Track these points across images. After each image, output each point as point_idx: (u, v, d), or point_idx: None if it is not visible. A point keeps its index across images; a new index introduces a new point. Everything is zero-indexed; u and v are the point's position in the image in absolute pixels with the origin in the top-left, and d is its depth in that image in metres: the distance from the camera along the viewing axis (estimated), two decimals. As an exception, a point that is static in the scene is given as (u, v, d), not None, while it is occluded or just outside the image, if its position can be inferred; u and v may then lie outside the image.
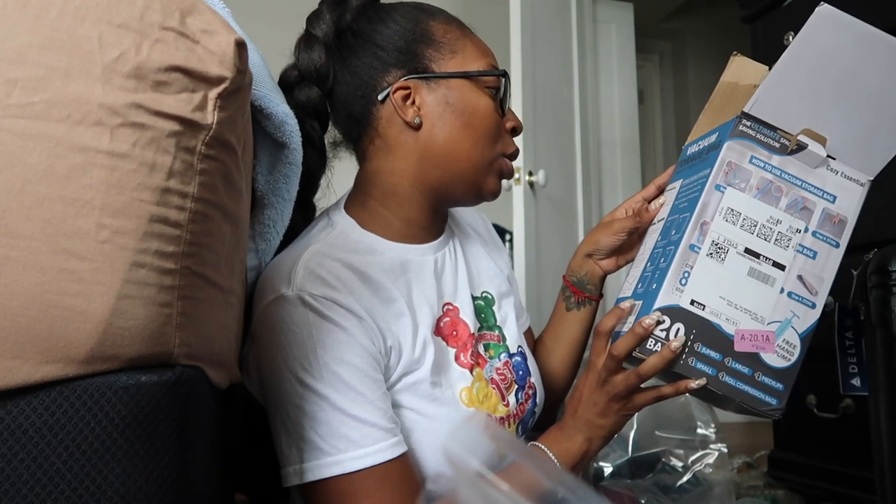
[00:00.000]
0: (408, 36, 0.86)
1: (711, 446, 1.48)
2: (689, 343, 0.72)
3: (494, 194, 0.89)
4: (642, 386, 0.75)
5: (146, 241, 0.51)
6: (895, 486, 0.86)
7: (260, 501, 0.92)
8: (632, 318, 0.76)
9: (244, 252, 0.70)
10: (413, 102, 0.84)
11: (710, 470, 1.44)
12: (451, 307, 0.88)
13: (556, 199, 2.47)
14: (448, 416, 0.79)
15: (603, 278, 0.99)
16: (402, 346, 0.79)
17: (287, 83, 0.89)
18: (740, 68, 0.84)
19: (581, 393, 0.80)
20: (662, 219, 0.82)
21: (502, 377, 0.89)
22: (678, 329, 0.72)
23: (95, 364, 0.50)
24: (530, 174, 2.21)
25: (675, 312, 0.72)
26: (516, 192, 2.17)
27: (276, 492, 0.84)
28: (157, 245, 0.51)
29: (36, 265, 0.48)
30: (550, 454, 0.79)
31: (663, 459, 1.45)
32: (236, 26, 0.67)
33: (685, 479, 1.42)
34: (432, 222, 0.90)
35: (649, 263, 0.79)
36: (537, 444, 0.81)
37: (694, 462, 1.45)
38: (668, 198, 0.84)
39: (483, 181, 0.87)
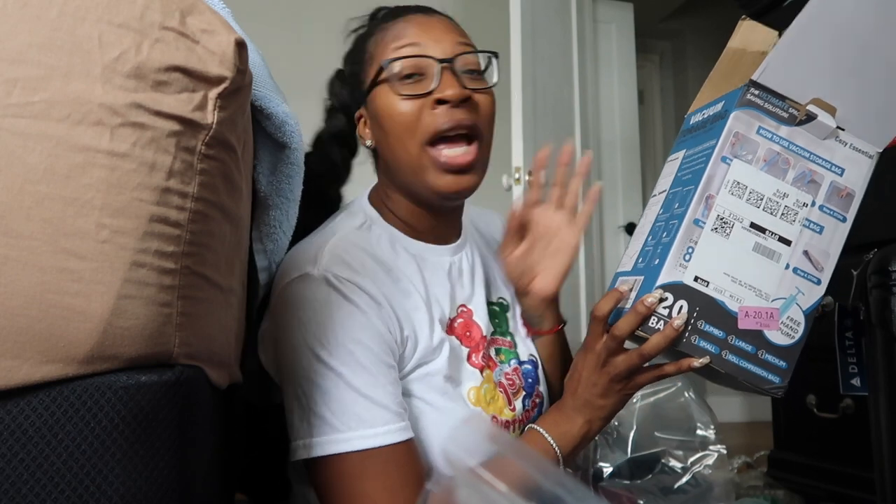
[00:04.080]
0: (355, 67, 0.90)
1: (711, 447, 1.47)
2: (693, 321, 0.70)
3: (446, 194, 0.84)
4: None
5: (146, 240, 0.51)
6: (895, 485, 0.86)
7: (260, 501, 0.92)
8: (633, 295, 0.74)
9: (244, 252, 0.70)
10: (367, 128, 0.89)
11: (710, 471, 1.44)
12: (465, 309, 0.89)
13: (556, 199, 2.46)
14: (455, 410, 0.80)
15: (550, 302, 0.94)
16: (418, 336, 0.81)
17: (322, 140, 0.97)
18: (748, 33, 0.81)
19: (580, 373, 0.78)
20: (664, 190, 0.80)
21: (510, 382, 0.89)
22: (681, 306, 0.70)
23: (95, 364, 0.50)
24: (530, 174, 2.20)
25: (678, 289, 0.70)
26: (516, 193, 2.17)
27: (277, 492, 0.84)
28: (157, 245, 0.51)
29: (36, 265, 0.48)
30: (549, 437, 0.79)
31: (663, 460, 1.45)
32: (236, 26, 0.67)
33: (685, 479, 1.42)
34: (433, 226, 0.90)
35: (650, 237, 0.77)
36: (535, 427, 0.80)
37: (693, 463, 1.45)
38: (670, 169, 0.81)
39: (424, 182, 0.83)
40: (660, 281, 0.70)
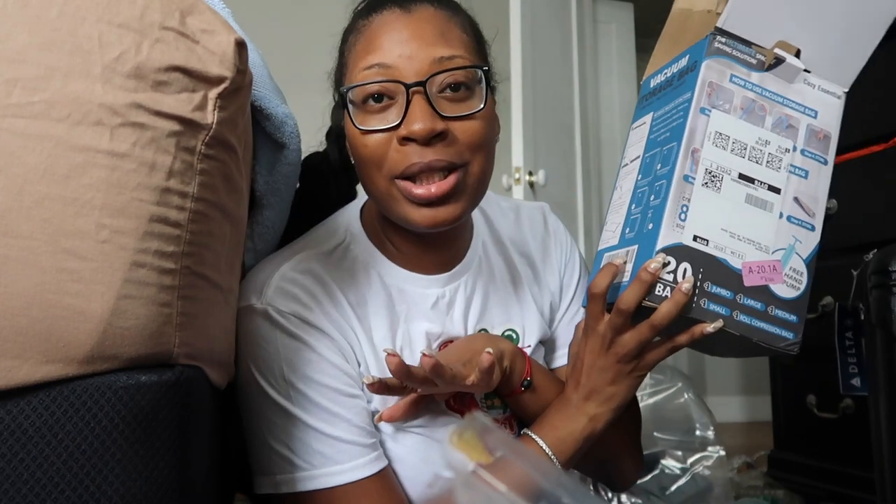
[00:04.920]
0: (337, 71, 0.80)
1: (710, 448, 1.48)
2: (699, 283, 0.66)
3: (422, 228, 0.72)
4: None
5: (146, 240, 0.51)
6: (895, 485, 0.86)
7: (260, 501, 0.92)
8: (629, 267, 0.69)
9: (244, 252, 0.70)
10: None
11: (709, 471, 1.44)
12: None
13: (556, 199, 2.46)
14: (429, 450, 0.76)
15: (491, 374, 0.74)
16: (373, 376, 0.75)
17: (327, 137, 0.91)
18: None
19: (582, 361, 0.72)
20: (637, 157, 0.76)
21: None
22: (685, 269, 0.66)
23: (95, 364, 0.50)
24: (530, 174, 2.21)
25: (678, 251, 0.66)
26: (516, 193, 2.17)
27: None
28: (157, 245, 0.51)
29: (36, 265, 0.48)
30: (544, 445, 0.73)
31: (662, 460, 1.45)
32: (236, 26, 0.67)
33: (684, 480, 1.42)
34: (420, 254, 0.80)
35: (633, 205, 0.73)
36: (530, 433, 0.75)
37: (693, 463, 1.45)
38: (638, 135, 0.78)
39: (398, 214, 0.73)
40: (659, 245, 0.66)
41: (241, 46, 0.55)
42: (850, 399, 1.48)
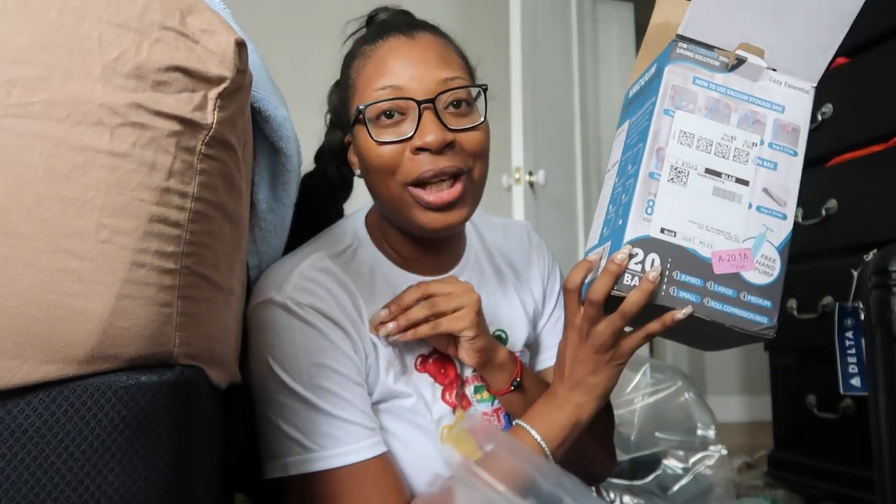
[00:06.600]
0: (342, 91, 0.88)
1: (711, 447, 1.48)
2: (667, 272, 0.70)
3: (432, 231, 0.81)
4: (626, 330, 0.73)
5: (146, 240, 0.51)
6: (895, 485, 0.86)
7: (260, 502, 0.92)
8: (604, 262, 0.72)
9: (244, 252, 0.70)
10: (354, 156, 0.87)
11: (710, 471, 1.44)
12: None
13: (556, 199, 2.46)
14: (420, 443, 0.81)
15: (487, 362, 0.84)
16: (379, 375, 0.81)
17: (320, 156, 0.96)
18: (669, 7, 0.83)
19: (564, 354, 0.77)
20: (616, 161, 0.80)
21: None
22: (653, 259, 0.70)
23: (95, 364, 0.50)
24: (530, 174, 2.20)
25: (646, 243, 0.70)
26: (516, 192, 2.17)
27: (276, 492, 0.84)
28: (157, 245, 0.51)
29: (36, 265, 0.48)
30: (534, 433, 0.77)
31: (663, 460, 1.45)
32: (236, 26, 0.67)
33: (685, 480, 1.42)
34: (422, 256, 0.88)
35: (611, 206, 0.77)
36: (521, 422, 0.79)
37: (694, 463, 1.45)
38: (618, 141, 0.82)
39: (408, 218, 0.81)
40: (627, 237, 0.70)
41: (241, 46, 0.55)
42: (850, 399, 1.48)
